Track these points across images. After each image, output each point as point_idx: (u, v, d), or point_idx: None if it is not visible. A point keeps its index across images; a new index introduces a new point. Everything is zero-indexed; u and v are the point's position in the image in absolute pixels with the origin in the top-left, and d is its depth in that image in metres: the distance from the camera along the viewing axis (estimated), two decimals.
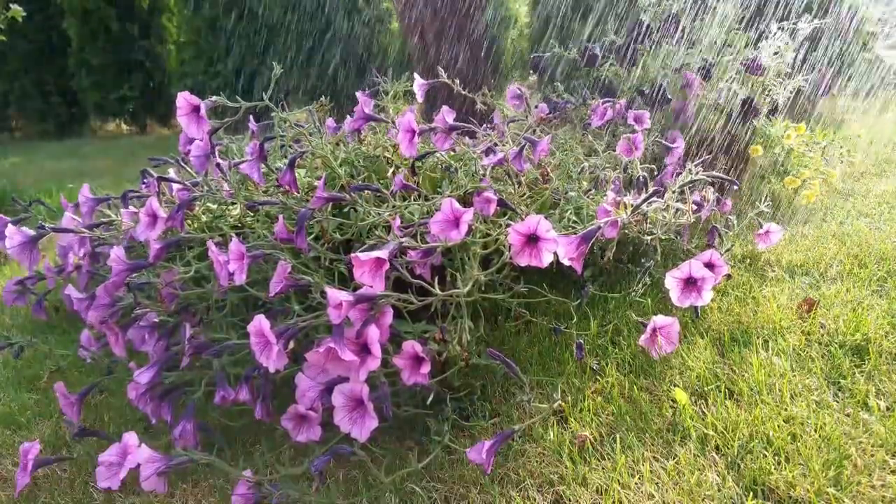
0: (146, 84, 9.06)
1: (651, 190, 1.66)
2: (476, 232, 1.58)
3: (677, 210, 1.81)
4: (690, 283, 1.55)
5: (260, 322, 1.28)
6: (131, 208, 2.01)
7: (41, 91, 9.01)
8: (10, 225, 1.82)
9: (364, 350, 1.29)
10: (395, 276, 1.40)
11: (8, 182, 4.55)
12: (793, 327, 1.65)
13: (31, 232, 1.81)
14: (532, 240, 1.36)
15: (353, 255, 1.30)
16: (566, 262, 1.41)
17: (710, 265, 1.67)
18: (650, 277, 1.92)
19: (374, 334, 1.28)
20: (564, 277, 1.93)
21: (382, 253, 1.29)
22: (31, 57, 8.85)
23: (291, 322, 1.36)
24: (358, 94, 2.22)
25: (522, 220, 1.37)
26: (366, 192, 1.73)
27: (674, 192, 1.76)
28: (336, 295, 1.26)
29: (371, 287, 1.30)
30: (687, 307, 1.59)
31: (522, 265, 1.39)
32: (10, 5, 4.08)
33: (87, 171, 5.65)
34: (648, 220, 1.80)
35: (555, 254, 1.37)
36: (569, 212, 1.82)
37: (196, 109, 1.73)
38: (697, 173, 1.74)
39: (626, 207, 1.67)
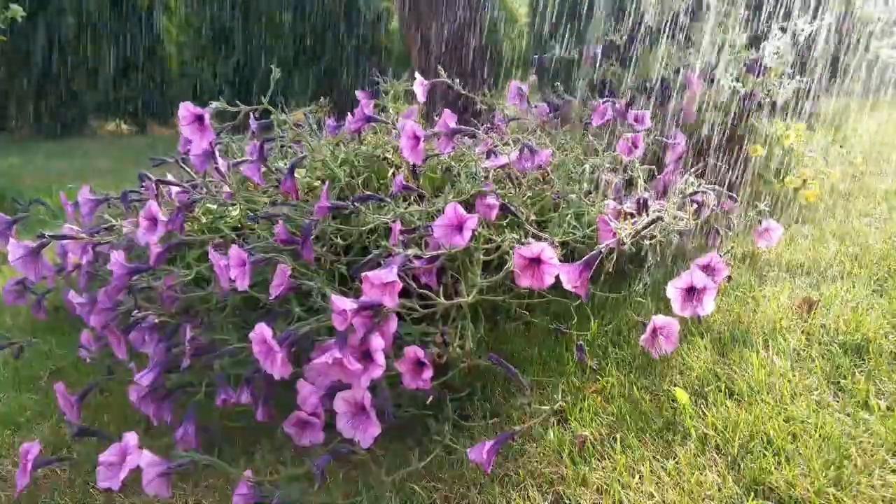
0: (146, 84, 9.06)
1: (652, 215, 1.67)
2: (479, 237, 1.58)
3: (676, 216, 1.82)
4: (692, 292, 1.55)
5: (262, 330, 1.28)
6: (130, 219, 2.02)
7: (41, 91, 9.00)
8: (11, 240, 1.86)
9: (366, 356, 1.28)
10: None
11: (7, 182, 4.56)
12: (793, 327, 1.65)
13: (32, 244, 1.85)
14: (535, 261, 1.38)
15: (363, 274, 1.29)
16: (570, 289, 1.42)
17: (710, 268, 1.67)
18: (651, 277, 1.92)
19: (378, 343, 1.27)
20: None
21: (391, 275, 1.28)
22: (30, 57, 8.84)
23: (293, 328, 1.36)
24: (358, 94, 2.22)
25: (524, 225, 1.37)
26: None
27: (674, 202, 1.77)
28: (340, 303, 1.25)
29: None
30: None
31: (524, 286, 1.40)
32: (10, 5, 4.08)
33: (87, 171, 5.64)
34: None
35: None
36: (569, 216, 1.82)
37: (199, 119, 1.73)
38: (699, 185, 1.75)
39: (626, 217, 1.67)
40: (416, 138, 1.80)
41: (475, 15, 4.01)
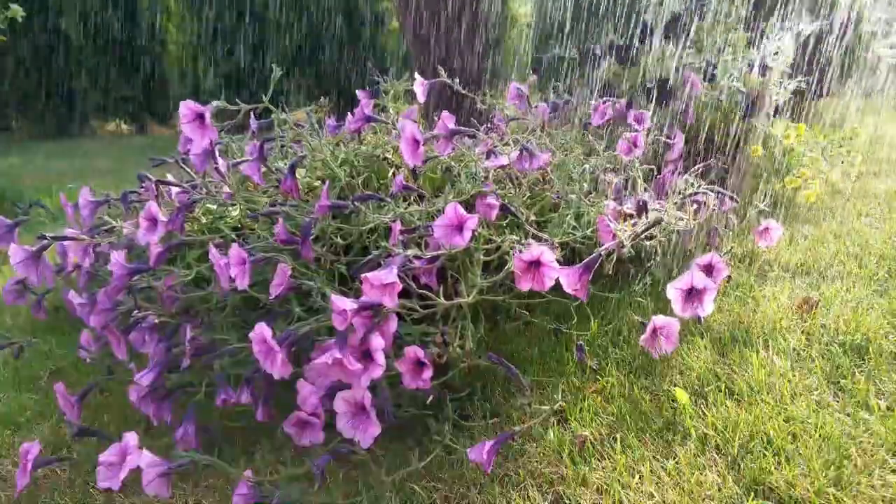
0: (146, 84, 9.06)
1: (652, 218, 1.67)
2: (479, 237, 1.58)
3: (676, 216, 1.82)
4: (692, 293, 1.55)
5: (262, 330, 1.28)
6: (130, 220, 2.02)
7: (41, 91, 9.00)
8: (13, 244, 1.89)
9: (366, 356, 1.28)
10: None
11: (7, 182, 4.55)
12: (793, 327, 1.65)
13: (33, 248, 1.86)
14: (535, 263, 1.39)
15: (363, 275, 1.29)
16: (570, 292, 1.43)
17: (710, 268, 1.67)
18: (650, 277, 1.92)
19: (378, 343, 1.27)
20: None
21: (391, 276, 1.28)
22: (31, 57, 8.84)
23: (293, 328, 1.36)
24: (358, 94, 2.22)
25: (524, 226, 1.37)
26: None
27: (674, 202, 1.77)
28: (340, 303, 1.25)
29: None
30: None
31: (525, 289, 1.40)
32: (10, 5, 4.07)
33: (87, 171, 5.64)
34: None
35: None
36: (569, 216, 1.81)
37: (200, 117, 1.72)
38: (699, 187, 1.75)
39: (626, 218, 1.67)
40: (416, 142, 1.80)
41: (475, 15, 4.01)
